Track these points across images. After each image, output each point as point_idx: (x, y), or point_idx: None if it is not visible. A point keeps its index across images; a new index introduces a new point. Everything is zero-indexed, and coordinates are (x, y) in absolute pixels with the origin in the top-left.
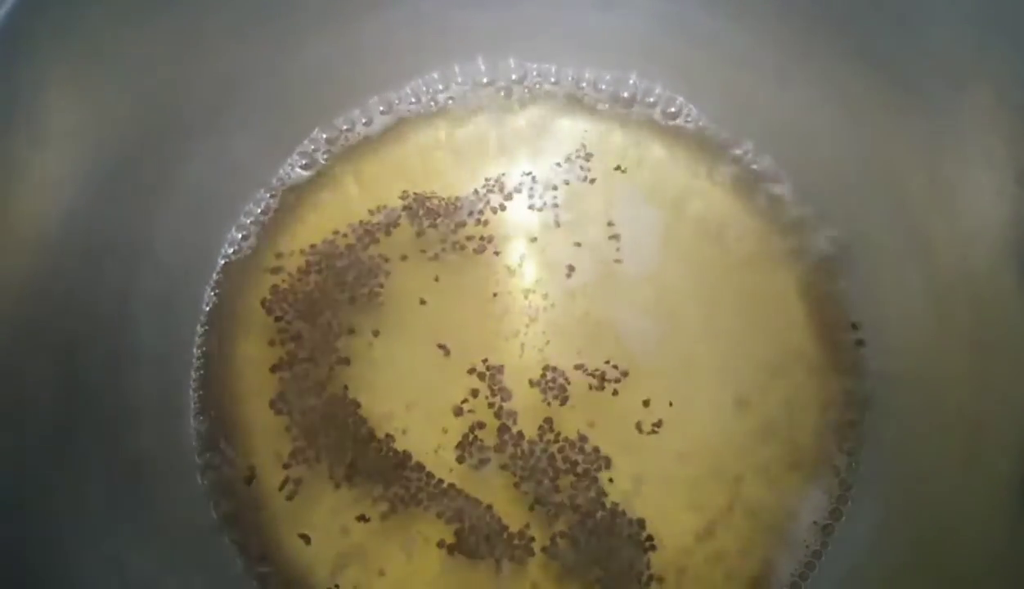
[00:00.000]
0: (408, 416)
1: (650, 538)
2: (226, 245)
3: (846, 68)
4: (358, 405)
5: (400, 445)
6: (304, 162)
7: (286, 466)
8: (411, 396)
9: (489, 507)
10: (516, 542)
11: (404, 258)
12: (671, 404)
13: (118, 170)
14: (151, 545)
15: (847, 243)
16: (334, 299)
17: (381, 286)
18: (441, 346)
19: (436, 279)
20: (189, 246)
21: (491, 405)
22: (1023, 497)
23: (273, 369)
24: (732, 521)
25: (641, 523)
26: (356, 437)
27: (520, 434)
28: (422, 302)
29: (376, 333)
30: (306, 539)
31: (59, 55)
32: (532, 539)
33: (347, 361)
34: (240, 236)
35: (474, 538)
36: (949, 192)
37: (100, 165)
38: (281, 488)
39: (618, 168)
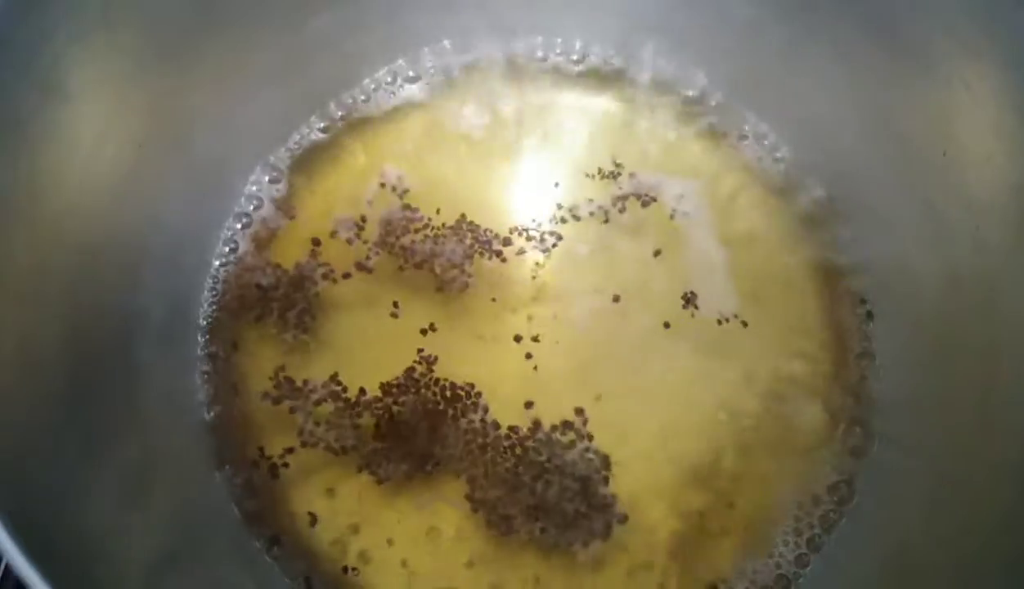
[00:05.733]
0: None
1: (632, 516)
2: (234, 213)
3: (855, 39)
4: (342, 385)
5: (402, 416)
6: (315, 133)
7: (298, 444)
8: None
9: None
10: (518, 521)
11: (407, 240)
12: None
13: (127, 137)
14: (163, 529)
15: (857, 216)
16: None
17: (368, 265)
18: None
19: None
20: (198, 214)
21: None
22: None
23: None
24: (734, 498)
25: (614, 495)
26: (354, 411)
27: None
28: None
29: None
30: (313, 518)
31: (70, 18)
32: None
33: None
34: (251, 205)
35: (485, 510)
36: (960, 163)
37: (108, 132)
38: (286, 465)
39: (618, 165)
